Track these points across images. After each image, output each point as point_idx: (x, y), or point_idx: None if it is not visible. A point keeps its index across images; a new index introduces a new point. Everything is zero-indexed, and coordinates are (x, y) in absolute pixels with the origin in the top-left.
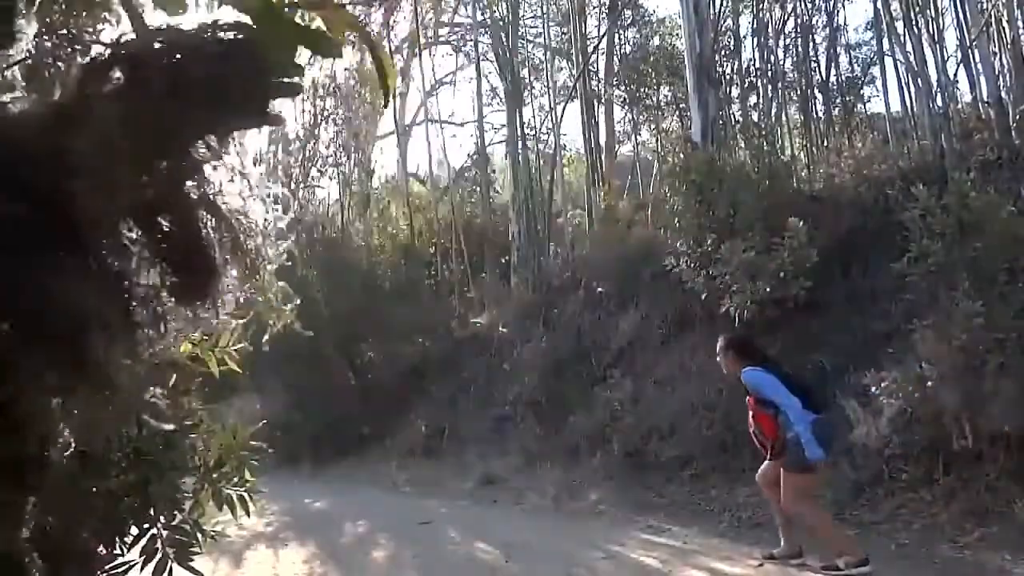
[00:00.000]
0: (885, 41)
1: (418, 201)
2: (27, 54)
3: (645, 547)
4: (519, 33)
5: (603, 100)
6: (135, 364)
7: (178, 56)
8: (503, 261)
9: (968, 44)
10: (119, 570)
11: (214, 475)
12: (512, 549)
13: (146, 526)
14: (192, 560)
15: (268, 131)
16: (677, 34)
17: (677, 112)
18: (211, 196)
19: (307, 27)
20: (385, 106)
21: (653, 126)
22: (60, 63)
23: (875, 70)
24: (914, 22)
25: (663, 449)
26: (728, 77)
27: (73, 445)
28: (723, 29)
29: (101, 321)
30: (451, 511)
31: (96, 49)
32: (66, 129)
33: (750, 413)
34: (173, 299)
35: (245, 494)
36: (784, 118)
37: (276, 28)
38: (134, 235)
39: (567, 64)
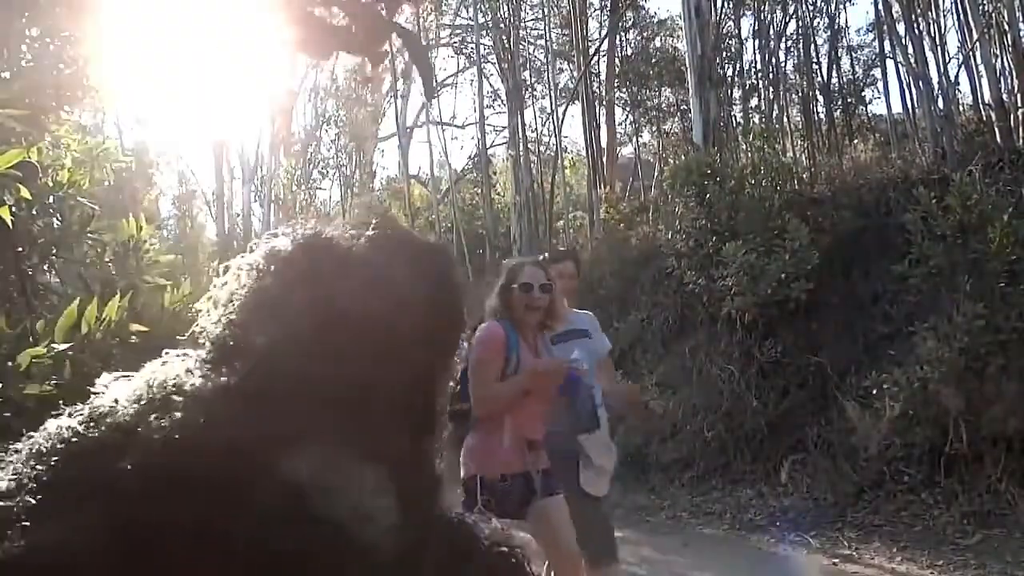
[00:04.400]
0: (886, 43)
1: (419, 203)
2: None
3: (643, 550)
4: (520, 35)
5: (604, 102)
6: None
7: None
8: (504, 263)
9: (969, 46)
10: None
11: None
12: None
13: None
14: None
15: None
16: (678, 36)
17: (678, 114)
18: None
19: (348, 30)
20: (428, 99)
21: (654, 128)
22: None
23: (876, 72)
24: (915, 24)
25: (664, 451)
26: (729, 79)
27: None
28: (724, 31)
29: None
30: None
31: None
32: None
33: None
34: None
35: None
36: (785, 120)
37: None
38: None
39: (568, 66)
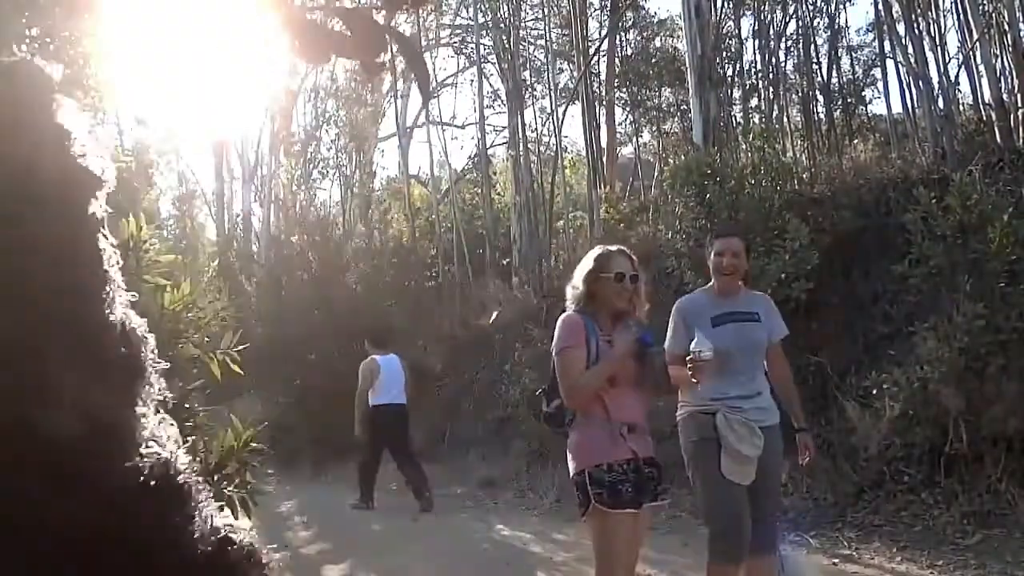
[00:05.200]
0: (886, 43)
1: (419, 203)
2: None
3: (643, 550)
4: (520, 35)
5: (604, 102)
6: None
7: None
8: (504, 263)
9: (969, 46)
10: None
11: (215, 476)
12: (512, 548)
13: None
14: None
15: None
16: (678, 36)
17: (678, 114)
18: None
19: (344, 35)
20: (425, 105)
21: (654, 128)
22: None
23: (876, 72)
24: (915, 24)
25: (664, 451)
26: (729, 79)
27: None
28: (724, 31)
29: None
30: (452, 512)
31: None
32: None
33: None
34: None
35: (247, 496)
36: (785, 120)
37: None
38: None
39: (568, 66)
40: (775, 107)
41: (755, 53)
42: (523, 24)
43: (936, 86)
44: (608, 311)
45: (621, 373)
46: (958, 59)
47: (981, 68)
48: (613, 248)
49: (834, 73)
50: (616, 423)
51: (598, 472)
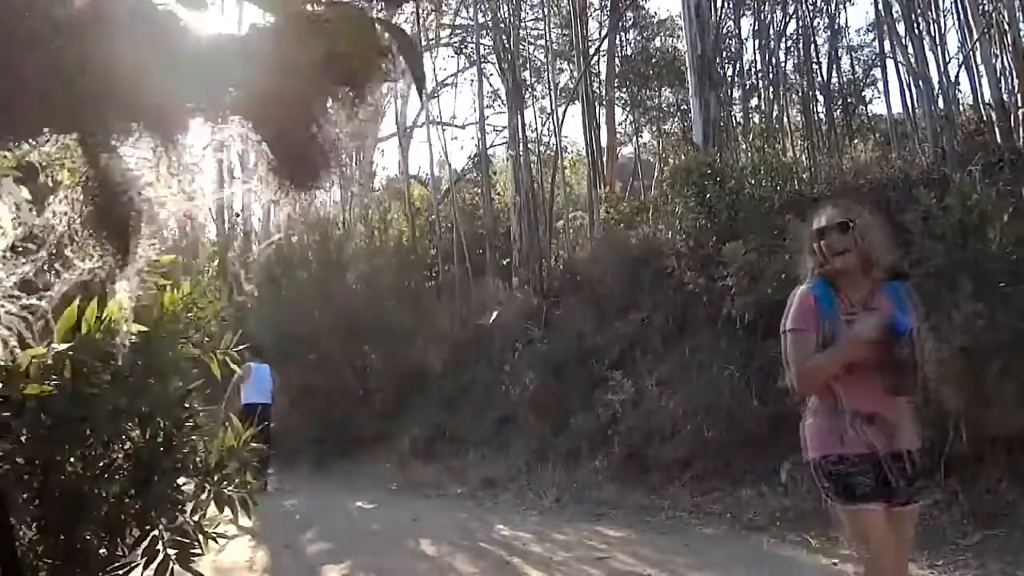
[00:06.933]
0: (887, 43)
1: (419, 203)
2: None
3: (643, 550)
4: (520, 35)
5: (604, 102)
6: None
7: None
8: (504, 263)
9: (969, 46)
10: (121, 571)
11: (215, 476)
12: (512, 548)
13: (147, 527)
14: (193, 561)
15: None
16: (678, 36)
17: (678, 114)
18: None
19: (331, 27)
20: (420, 93)
21: (654, 128)
22: None
23: (876, 72)
24: (915, 24)
25: (664, 451)
26: (729, 79)
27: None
28: (724, 31)
29: None
30: (451, 512)
31: None
32: None
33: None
34: None
35: (246, 495)
36: (785, 120)
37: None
38: None
39: (568, 66)
40: (775, 107)
41: (755, 53)
42: (523, 24)
43: (936, 86)
44: (853, 279)
45: (861, 359)
46: (958, 59)
47: (981, 68)
48: (828, 204)
49: (834, 73)
50: (849, 413)
51: (827, 464)
